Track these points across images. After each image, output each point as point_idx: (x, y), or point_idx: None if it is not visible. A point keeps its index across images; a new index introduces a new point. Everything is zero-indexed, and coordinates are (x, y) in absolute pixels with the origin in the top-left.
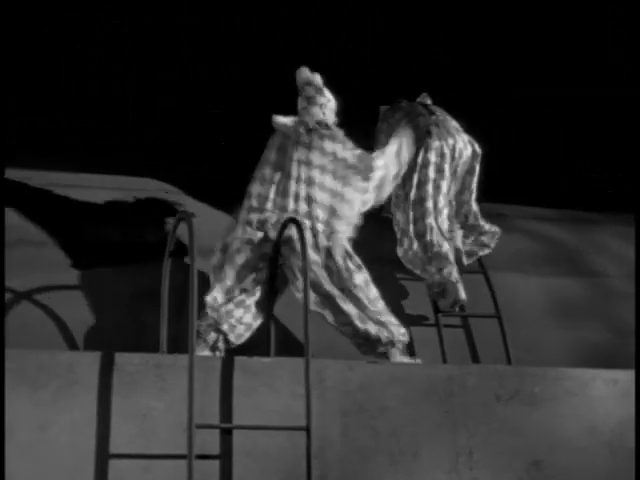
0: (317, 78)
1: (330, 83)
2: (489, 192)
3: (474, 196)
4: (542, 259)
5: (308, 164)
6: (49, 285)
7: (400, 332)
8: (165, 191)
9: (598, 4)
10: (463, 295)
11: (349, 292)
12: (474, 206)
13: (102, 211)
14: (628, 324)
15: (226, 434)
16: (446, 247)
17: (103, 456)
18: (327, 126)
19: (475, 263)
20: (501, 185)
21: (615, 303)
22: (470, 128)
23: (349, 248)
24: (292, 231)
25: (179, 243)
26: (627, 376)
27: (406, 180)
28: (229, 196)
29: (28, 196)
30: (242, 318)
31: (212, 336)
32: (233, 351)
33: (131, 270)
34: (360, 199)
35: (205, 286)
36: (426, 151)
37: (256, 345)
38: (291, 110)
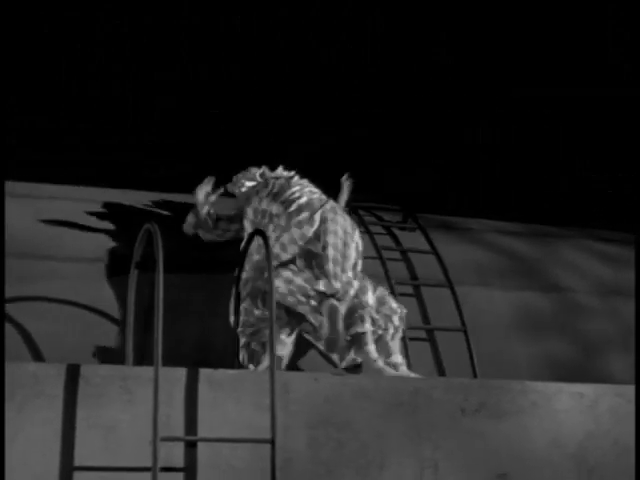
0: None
1: (330, 83)
2: (455, 206)
3: None
4: (507, 273)
5: None
6: (13, 296)
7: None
8: (136, 203)
9: (598, 4)
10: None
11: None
12: None
13: (68, 221)
14: (592, 339)
15: (191, 447)
16: None
17: (68, 468)
18: None
19: (441, 276)
20: (469, 199)
21: (580, 317)
22: (471, 127)
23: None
24: None
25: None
26: (592, 389)
27: None
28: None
29: None
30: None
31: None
32: (198, 363)
33: (98, 281)
34: None
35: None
36: None
37: (222, 357)
38: (291, 110)
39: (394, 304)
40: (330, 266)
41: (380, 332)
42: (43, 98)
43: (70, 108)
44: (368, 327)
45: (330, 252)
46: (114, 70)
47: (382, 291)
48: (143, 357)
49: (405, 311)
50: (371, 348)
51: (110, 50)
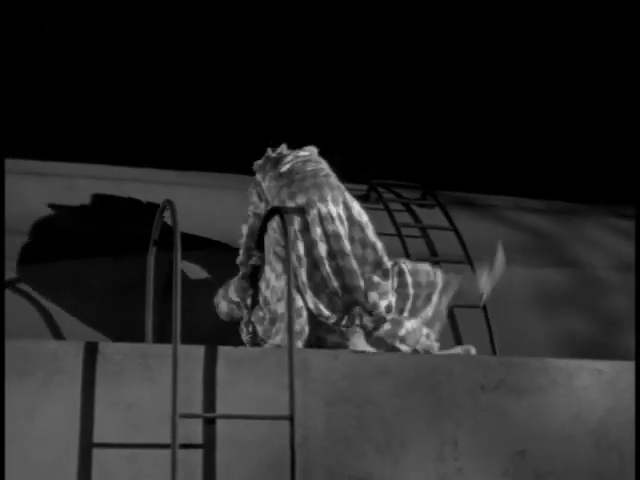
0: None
1: (330, 83)
2: (475, 183)
3: None
4: (528, 250)
5: None
6: (33, 274)
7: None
8: (151, 180)
9: (598, 4)
10: None
11: None
12: None
13: (87, 200)
14: (613, 315)
15: (210, 424)
16: None
17: (87, 445)
18: None
19: (460, 253)
20: (487, 175)
21: (600, 294)
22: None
23: None
24: None
25: (166, 232)
26: (611, 366)
27: None
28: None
29: (8, 185)
30: None
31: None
32: (218, 341)
33: (117, 259)
34: None
35: (188, 274)
36: None
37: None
38: (290, 110)
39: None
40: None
41: None
42: (43, 98)
43: (70, 108)
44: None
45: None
46: (114, 70)
47: None
48: (163, 335)
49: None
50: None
51: (110, 50)
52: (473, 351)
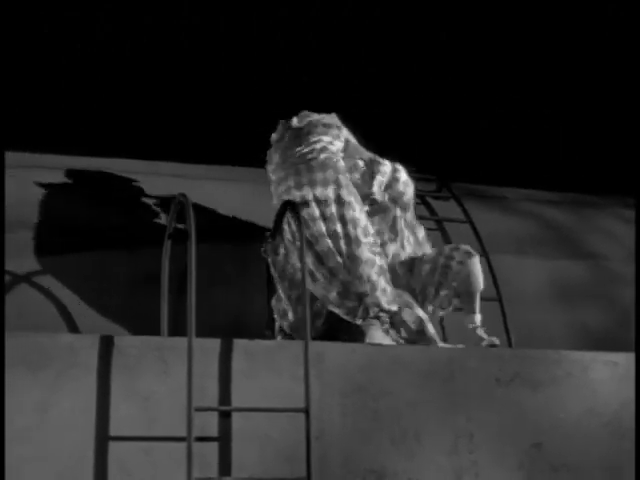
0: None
1: (330, 83)
2: (490, 175)
3: None
4: (543, 242)
5: None
6: (48, 268)
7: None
8: (165, 173)
9: (598, 4)
10: None
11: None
12: None
13: (102, 194)
14: (628, 307)
15: (225, 417)
16: None
17: (103, 438)
18: None
19: (476, 245)
20: (502, 168)
21: (615, 286)
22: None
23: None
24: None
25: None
26: (626, 359)
27: None
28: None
29: (27, 179)
30: None
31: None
32: (234, 334)
33: (132, 252)
34: None
35: (203, 267)
36: None
37: (258, 328)
38: (290, 109)
39: None
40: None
41: None
42: (43, 98)
43: (70, 108)
44: None
45: None
46: (114, 70)
47: None
48: (178, 328)
49: None
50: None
51: (110, 50)
52: (497, 342)
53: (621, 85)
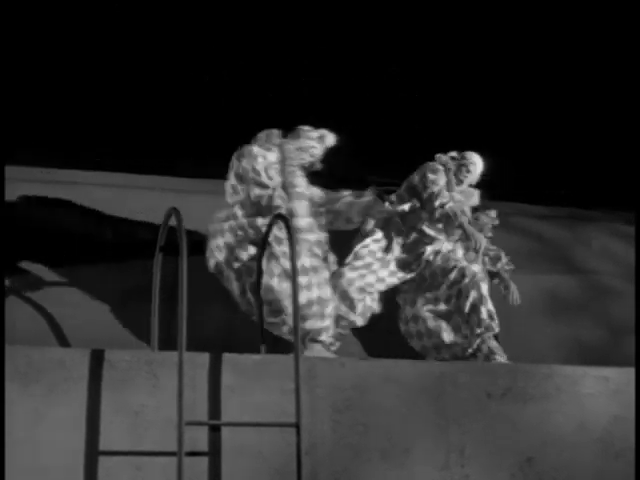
0: None
1: (330, 84)
2: (486, 189)
3: None
4: (536, 256)
5: None
6: (39, 282)
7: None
8: (156, 187)
9: (598, 4)
10: None
11: None
12: None
13: (93, 207)
14: (620, 322)
15: (216, 431)
16: None
17: (94, 453)
18: None
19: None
20: (497, 183)
21: (607, 301)
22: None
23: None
24: None
25: (171, 239)
26: (617, 374)
27: None
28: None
29: (19, 192)
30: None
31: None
32: (224, 348)
33: (122, 266)
34: None
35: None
36: None
37: (247, 342)
38: (290, 109)
39: None
40: None
41: None
42: (43, 98)
43: (70, 108)
44: None
45: None
46: (114, 70)
47: None
48: (168, 342)
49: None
50: None
51: (110, 50)
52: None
53: (617, 99)
